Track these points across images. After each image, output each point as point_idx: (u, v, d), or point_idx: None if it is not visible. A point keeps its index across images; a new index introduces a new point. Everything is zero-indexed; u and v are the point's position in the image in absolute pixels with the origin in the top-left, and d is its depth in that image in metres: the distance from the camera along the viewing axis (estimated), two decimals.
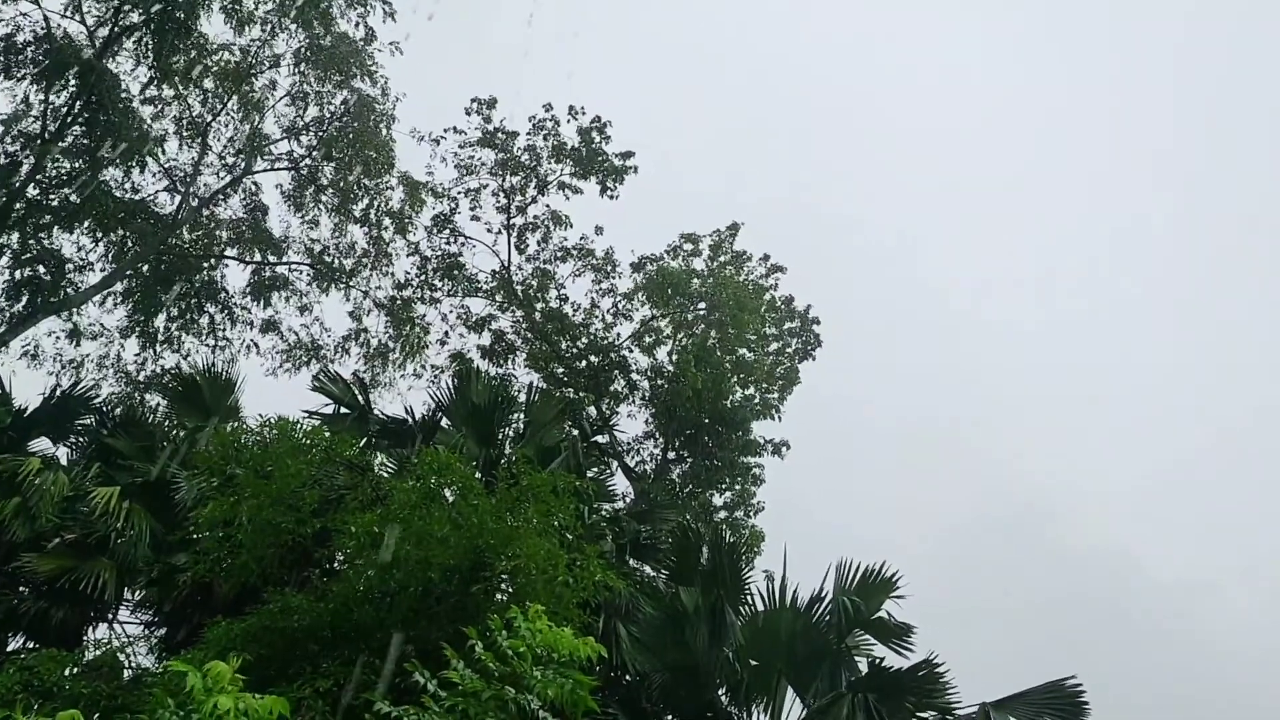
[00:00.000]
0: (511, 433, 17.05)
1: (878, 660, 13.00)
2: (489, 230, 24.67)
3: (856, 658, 13.77)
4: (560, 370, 24.36)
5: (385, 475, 13.27)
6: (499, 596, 10.94)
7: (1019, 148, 54.30)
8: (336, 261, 24.62)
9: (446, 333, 24.80)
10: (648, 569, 16.07)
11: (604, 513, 16.27)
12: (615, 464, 23.09)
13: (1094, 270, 51.05)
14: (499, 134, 24.39)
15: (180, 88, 22.49)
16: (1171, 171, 51.15)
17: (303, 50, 23.26)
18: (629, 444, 24.47)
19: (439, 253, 24.80)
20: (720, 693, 13.33)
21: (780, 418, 24.09)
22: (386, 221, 24.44)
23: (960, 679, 13.18)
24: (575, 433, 20.95)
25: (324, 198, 24.38)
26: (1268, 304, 47.39)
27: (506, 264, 24.64)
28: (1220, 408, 46.26)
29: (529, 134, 24.46)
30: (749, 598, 14.20)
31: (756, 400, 23.97)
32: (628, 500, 20.40)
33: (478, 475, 11.81)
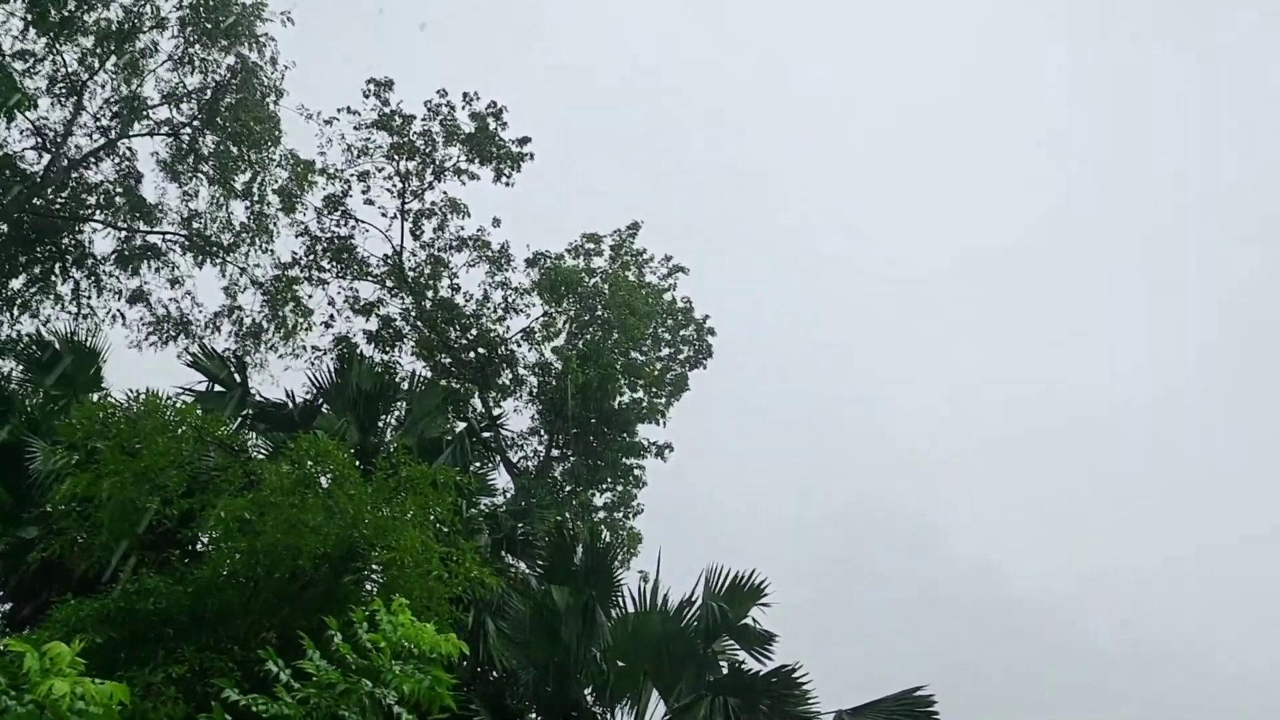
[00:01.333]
0: (394, 421, 16.86)
1: (739, 664, 13.31)
2: (383, 215, 24.26)
3: (721, 662, 14.08)
4: (447, 360, 24.13)
5: (259, 458, 12.95)
6: (370, 587, 10.82)
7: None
8: (214, 235, 23.86)
9: (332, 315, 24.29)
10: (523, 566, 16.09)
11: (483, 508, 16.23)
12: (498, 458, 23.03)
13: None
14: (395, 116, 23.97)
15: (57, 43, 21.50)
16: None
17: (187, 13, 22.51)
18: (513, 439, 24.43)
19: (329, 234, 24.27)
20: (586, 692, 13.44)
21: (665, 423, 24.35)
22: (272, 198, 23.76)
23: (822, 676, 13.61)
24: (459, 425, 20.85)
25: (204, 168, 23.61)
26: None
27: (399, 250, 24.27)
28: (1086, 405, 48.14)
29: (424, 119, 24.11)
30: (621, 599, 14.38)
31: (644, 403, 24.17)
32: (508, 495, 20.38)
33: (356, 463, 11.64)
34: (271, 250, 24.11)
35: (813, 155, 54.10)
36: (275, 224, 23.95)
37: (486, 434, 22.85)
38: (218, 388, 16.21)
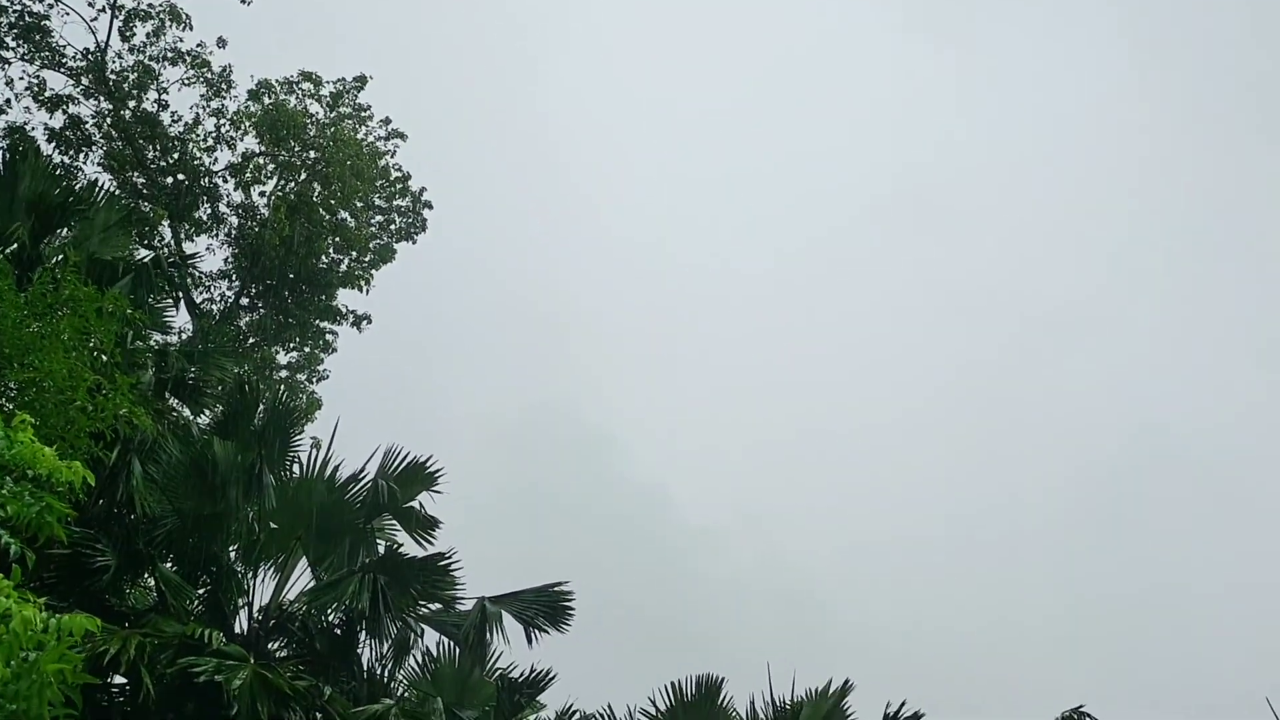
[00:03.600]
0: (67, 233, 15.20)
1: (396, 546, 13.39)
2: (90, 4, 21.46)
3: (380, 541, 14.10)
4: (140, 181, 21.95)
5: None
6: (5, 404, 9.82)
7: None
8: None
9: (9, 100, 21.34)
10: (187, 412, 15.19)
11: (153, 343, 15.12)
12: (180, 296, 21.39)
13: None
14: None
15: None
16: None
17: None
18: (201, 278, 22.76)
19: (19, 8, 21.15)
20: (232, 549, 13.02)
21: (368, 291, 23.58)
22: None
23: (481, 567, 14.02)
24: (144, 253, 19.12)
25: None
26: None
27: (103, 46, 21.60)
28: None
29: None
30: (290, 463, 13.97)
31: (346, 267, 23.25)
32: (184, 336, 19.08)
33: (13, 270, 10.42)
34: None
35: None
36: None
37: (172, 268, 21.13)
38: None
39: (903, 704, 19.36)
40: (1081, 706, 20.11)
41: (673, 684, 15.89)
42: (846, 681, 18.59)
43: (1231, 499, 40.20)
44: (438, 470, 14.13)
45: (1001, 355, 47.26)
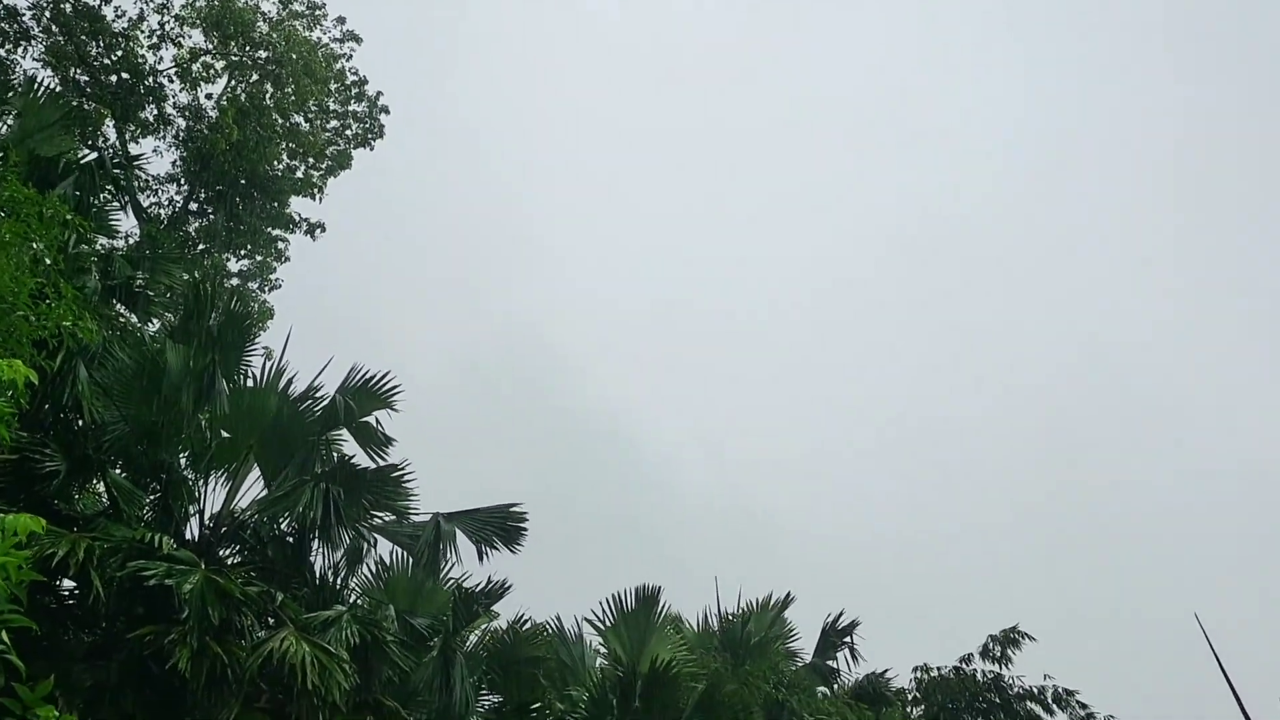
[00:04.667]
0: (5, 130, 14.69)
1: (353, 462, 13.39)
2: None
3: (334, 453, 14.08)
4: (84, 78, 21.19)
5: None
6: None
7: None
8: None
9: None
10: (134, 318, 14.93)
11: (99, 247, 14.76)
12: (127, 199, 20.82)
13: None
14: None
15: None
16: None
17: None
18: (148, 182, 22.15)
19: None
20: (182, 456, 12.95)
21: (321, 199, 23.12)
22: None
23: (438, 483, 14.08)
24: (88, 154, 18.51)
25: None
26: None
27: None
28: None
29: None
30: (243, 372, 13.83)
31: (300, 173, 22.75)
32: (130, 240, 18.63)
33: None
34: None
35: None
36: None
37: (117, 170, 20.52)
38: None
39: (840, 613, 20.13)
40: (1017, 625, 20.92)
41: (614, 595, 16.37)
42: (788, 594, 19.21)
43: (1166, 425, 41.35)
44: (394, 388, 14.09)
45: (955, 284, 47.61)
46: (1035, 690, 19.98)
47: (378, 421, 14.07)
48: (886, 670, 20.44)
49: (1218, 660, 9.40)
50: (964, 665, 20.60)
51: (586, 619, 16.38)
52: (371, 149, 23.87)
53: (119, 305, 14.52)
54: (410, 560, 13.71)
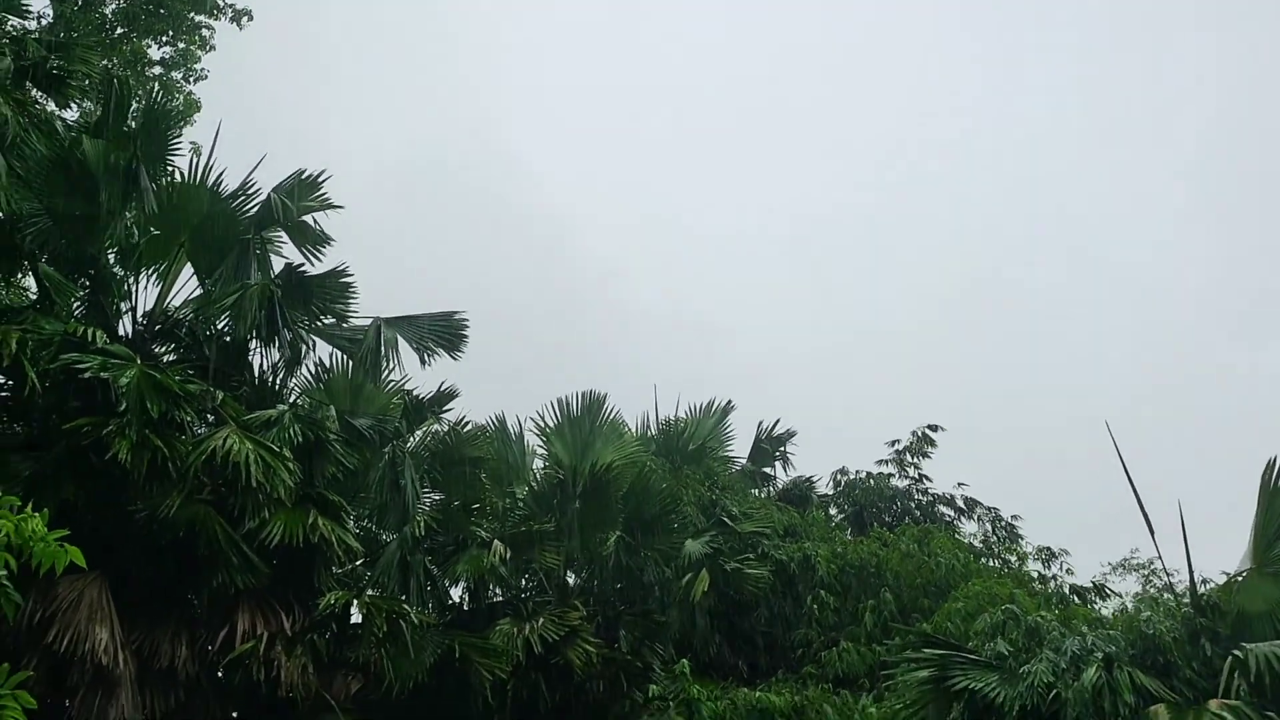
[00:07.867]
0: None
1: (292, 264, 13.15)
2: None
3: (271, 254, 13.78)
4: None
5: None
6: None
7: None
8: None
9: None
10: (52, 105, 14.17)
11: (10, 28, 13.86)
12: None
13: None
14: None
15: None
16: None
17: None
18: None
19: None
20: (110, 252, 12.61)
21: None
22: None
23: (378, 290, 13.89)
24: None
25: None
26: None
27: None
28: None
29: None
30: (169, 168, 13.30)
31: None
32: (44, 22, 17.45)
33: None
34: None
35: None
36: None
37: None
38: None
39: (776, 421, 20.79)
40: (928, 425, 21.40)
41: (559, 399, 16.59)
42: (728, 402, 19.73)
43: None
44: (325, 179, 13.74)
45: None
46: (947, 496, 20.90)
47: (315, 221, 13.77)
48: (813, 476, 21.35)
49: (1124, 466, 9.98)
50: (882, 467, 21.16)
51: (531, 419, 16.66)
52: None
53: (33, 90, 13.74)
54: (350, 363, 13.71)
